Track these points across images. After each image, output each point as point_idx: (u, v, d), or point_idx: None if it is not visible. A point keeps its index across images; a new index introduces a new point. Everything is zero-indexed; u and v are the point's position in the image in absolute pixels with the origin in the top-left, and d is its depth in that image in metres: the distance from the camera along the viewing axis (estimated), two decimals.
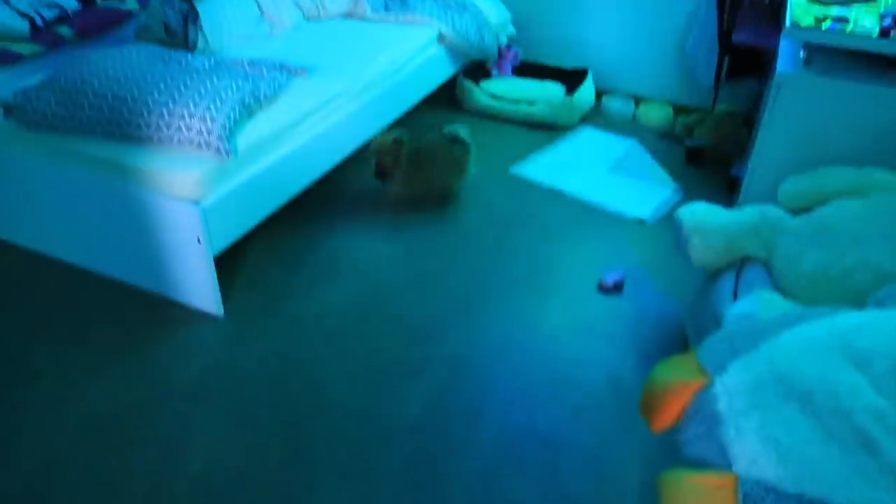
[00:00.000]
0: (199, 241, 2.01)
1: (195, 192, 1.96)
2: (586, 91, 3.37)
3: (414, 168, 2.63)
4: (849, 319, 1.28)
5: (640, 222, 2.66)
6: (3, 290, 2.26)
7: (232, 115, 2.03)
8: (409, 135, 2.65)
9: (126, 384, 1.92)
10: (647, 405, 1.28)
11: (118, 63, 2.18)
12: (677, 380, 1.26)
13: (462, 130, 2.73)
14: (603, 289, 2.29)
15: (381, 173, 2.63)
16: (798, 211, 1.85)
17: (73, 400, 1.87)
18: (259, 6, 2.91)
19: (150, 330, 2.10)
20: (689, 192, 2.80)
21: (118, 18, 3.06)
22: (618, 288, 2.29)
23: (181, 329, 2.10)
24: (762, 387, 1.16)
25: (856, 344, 1.19)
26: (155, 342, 2.06)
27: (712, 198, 2.09)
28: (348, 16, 3.20)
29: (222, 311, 2.16)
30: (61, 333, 2.09)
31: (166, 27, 2.63)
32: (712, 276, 1.95)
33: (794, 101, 2.00)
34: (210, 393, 1.90)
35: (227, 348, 2.05)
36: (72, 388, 1.90)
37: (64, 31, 2.84)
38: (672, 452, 1.28)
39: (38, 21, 2.74)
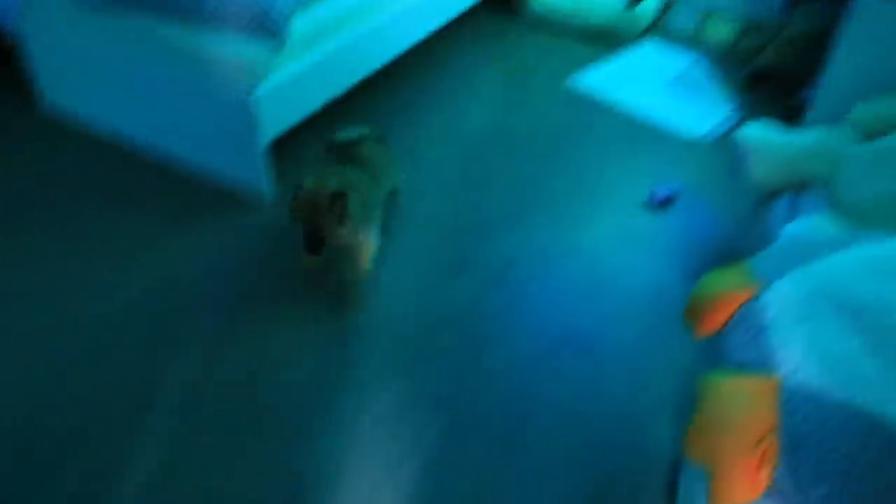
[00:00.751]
0: (251, 128, 2.03)
1: (250, 79, 1.96)
2: (649, 1, 3.23)
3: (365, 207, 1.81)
4: None
5: (696, 141, 2.61)
6: (59, 166, 2.33)
7: (290, 1, 2.01)
8: (327, 167, 1.87)
9: (171, 261, 1.99)
10: (694, 311, 1.31)
11: None
12: (728, 288, 1.27)
13: (360, 131, 2.02)
14: (652, 204, 2.28)
15: (319, 241, 1.71)
16: (866, 137, 1.80)
17: (126, 274, 1.95)
18: None
19: (197, 213, 2.16)
20: (749, 115, 2.72)
21: None
22: (667, 204, 2.27)
23: (228, 214, 2.15)
24: (814, 300, 1.17)
25: None
26: (202, 225, 2.11)
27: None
28: None
29: (269, 200, 2.21)
30: (113, 209, 2.16)
31: None
32: (767, 198, 1.92)
33: (872, 24, 1.90)
34: (252, 281, 1.97)
35: (271, 238, 2.10)
36: (123, 263, 1.99)
37: None
38: (711, 363, 1.31)
39: None
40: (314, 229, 1.70)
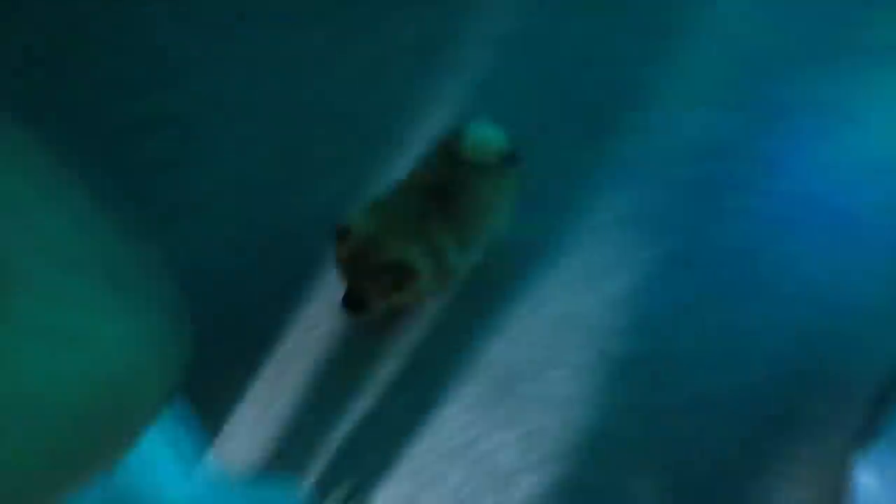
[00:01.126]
0: None
1: None
2: None
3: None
4: None
5: None
6: None
7: None
8: (406, 205, 1.36)
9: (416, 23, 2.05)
10: None
11: None
12: None
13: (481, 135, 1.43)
14: None
15: (361, 303, 1.32)
16: None
17: (377, 34, 2.05)
18: None
19: None
20: None
21: None
22: None
23: None
24: None
25: None
26: None
27: None
28: None
29: None
30: None
31: None
32: None
33: None
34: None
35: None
36: (375, 23, 2.07)
37: None
38: None
39: None
40: (358, 288, 1.29)
